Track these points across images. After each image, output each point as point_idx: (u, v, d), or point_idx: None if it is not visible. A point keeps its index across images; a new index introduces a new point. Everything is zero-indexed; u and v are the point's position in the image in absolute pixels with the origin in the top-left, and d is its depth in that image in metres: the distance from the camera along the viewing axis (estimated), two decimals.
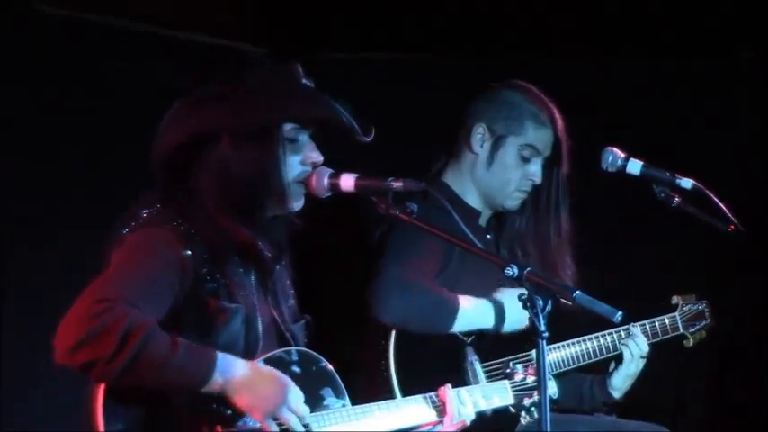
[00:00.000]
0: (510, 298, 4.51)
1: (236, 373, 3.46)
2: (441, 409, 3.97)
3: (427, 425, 3.95)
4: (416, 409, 3.93)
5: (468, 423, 4.00)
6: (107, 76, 4.79)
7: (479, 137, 4.72)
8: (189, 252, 3.53)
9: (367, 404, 3.79)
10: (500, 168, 4.71)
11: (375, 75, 5.46)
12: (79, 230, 4.56)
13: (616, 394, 4.78)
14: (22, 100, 4.65)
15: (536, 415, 4.14)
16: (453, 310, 4.43)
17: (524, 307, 3.44)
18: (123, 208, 3.62)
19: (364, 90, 4.91)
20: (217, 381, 3.42)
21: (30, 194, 4.69)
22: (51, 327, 3.35)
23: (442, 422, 3.96)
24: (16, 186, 4.64)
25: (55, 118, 4.72)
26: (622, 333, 4.74)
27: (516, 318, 4.48)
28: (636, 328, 4.75)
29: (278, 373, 3.56)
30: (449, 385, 3.99)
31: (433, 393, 3.98)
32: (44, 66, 4.66)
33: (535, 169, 4.72)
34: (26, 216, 4.68)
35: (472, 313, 4.48)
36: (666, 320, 4.84)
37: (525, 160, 4.71)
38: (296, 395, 3.54)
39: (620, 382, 4.76)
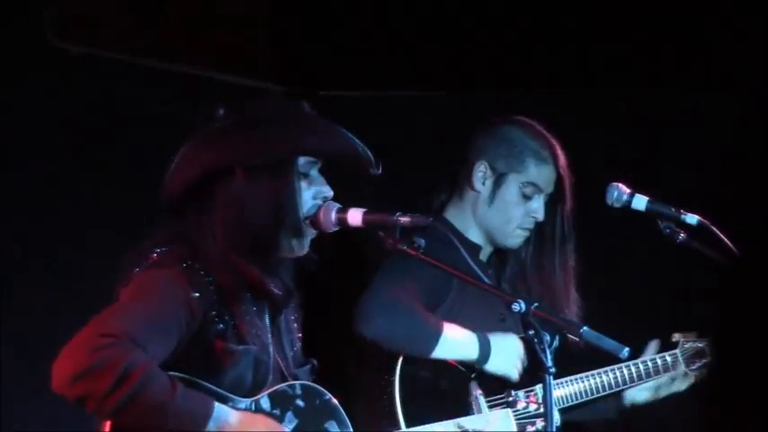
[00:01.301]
0: (501, 340, 4.47)
1: (230, 421, 3.47)
2: None
3: None
4: None
5: None
6: (123, 111, 4.82)
7: (481, 174, 4.73)
8: (197, 294, 3.53)
9: None
10: (501, 206, 4.72)
11: (378, 112, 5.50)
12: (80, 231, 4.59)
13: (627, 400, 4.78)
14: (38, 135, 4.69)
15: None
16: (436, 334, 4.39)
17: (531, 342, 3.46)
18: (133, 235, 3.65)
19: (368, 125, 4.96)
20: (211, 430, 3.44)
21: (31, 196, 4.71)
22: (50, 340, 3.39)
23: None
24: (19, 187, 4.67)
25: (70, 152, 4.75)
26: (640, 366, 4.74)
27: (502, 361, 4.44)
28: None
29: (270, 420, 3.57)
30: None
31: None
32: (59, 101, 4.70)
33: (537, 206, 4.72)
34: (27, 217, 4.71)
35: (456, 342, 4.43)
36: (667, 358, 4.82)
37: (527, 197, 4.72)
38: None
39: (639, 395, 4.77)
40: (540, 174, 4.72)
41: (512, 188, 4.72)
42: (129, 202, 4.68)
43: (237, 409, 3.56)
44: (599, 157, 5.33)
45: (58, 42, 4.58)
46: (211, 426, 3.43)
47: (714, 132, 5.70)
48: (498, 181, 4.72)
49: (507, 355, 4.41)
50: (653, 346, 4.84)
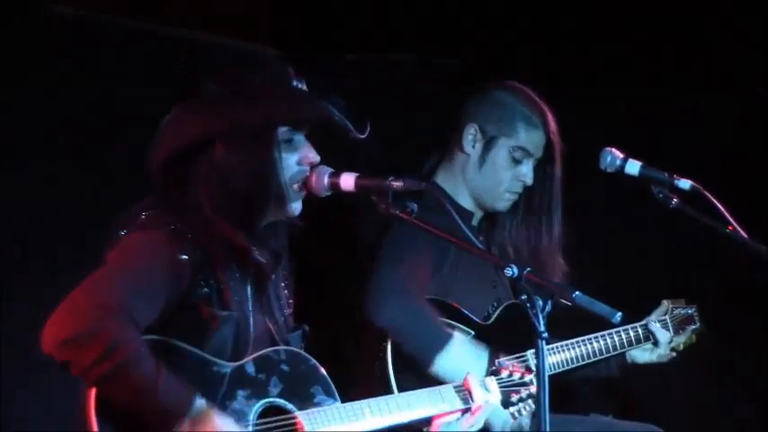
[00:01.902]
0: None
1: (205, 420, 3.42)
2: (466, 398, 3.95)
3: (453, 412, 3.93)
4: (436, 400, 3.92)
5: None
6: (115, 74, 4.82)
7: (471, 137, 4.75)
8: (185, 256, 3.55)
9: (363, 401, 3.76)
10: (491, 169, 4.73)
11: (375, 75, 5.50)
12: (80, 231, 4.57)
13: (629, 359, 4.79)
14: (32, 100, 4.67)
15: (524, 411, 4.11)
16: (444, 342, 4.37)
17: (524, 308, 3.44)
18: (126, 208, 3.64)
19: (365, 89, 4.98)
20: (190, 421, 3.40)
21: (31, 196, 4.69)
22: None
23: (469, 410, 3.94)
24: (19, 187, 4.66)
25: (63, 118, 4.73)
26: (630, 332, 4.75)
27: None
28: (652, 321, 4.79)
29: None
30: (471, 373, 3.99)
31: (455, 383, 3.96)
32: (54, 66, 4.69)
33: (526, 170, 4.74)
34: (27, 217, 4.68)
35: (461, 356, 4.39)
36: (657, 324, 4.82)
37: (516, 162, 4.74)
38: None
39: (640, 355, 4.78)
40: (530, 138, 4.74)
41: (502, 152, 4.73)
42: (120, 171, 4.66)
43: (222, 373, 3.55)
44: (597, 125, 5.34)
45: (50, 6, 4.60)
46: (186, 422, 3.40)
47: (714, 132, 5.72)
48: (488, 144, 4.73)
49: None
50: (663, 306, 4.87)
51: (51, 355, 3.36)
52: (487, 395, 3.98)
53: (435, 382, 4.07)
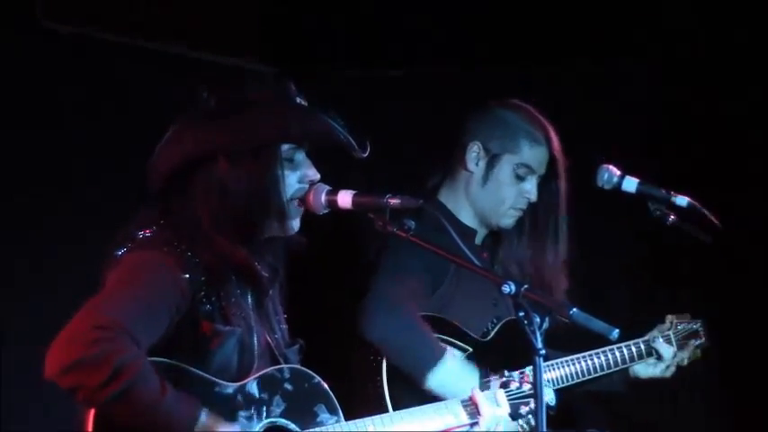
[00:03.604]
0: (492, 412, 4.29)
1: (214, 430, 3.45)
2: (473, 412, 3.96)
3: (460, 427, 3.94)
4: (438, 415, 3.93)
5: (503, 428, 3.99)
6: (114, 92, 4.83)
7: (474, 155, 4.75)
8: (187, 276, 3.54)
9: (365, 418, 3.79)
10: (495, 186, 4.74)
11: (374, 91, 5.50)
12: (80, 241, 4.59)
13: (632, 374, 4.79)
14: (28, 116, 4.69)
15: (533, 423, 4.13)
16: (437, 357, 4.37)
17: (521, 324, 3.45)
18: (122, 225, 3.64)
19: (363, 106, 4.96)
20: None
21: (32, 205, 4.72)
22: (50, 340, 3.36)
23: (477, 423, 3.95)
24: (20, 198, 4.68)
25: (60, 133, 4.75)
26: (632, 347, 4.75)
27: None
28: (656, 337, 4.79)
29: None
30: (476, 387, 4.00)
31: (461, 398, 3.97)
32: (50, 82, 4.70)
33: (530, 187, 4.74)
34: (28, 225, 4.71)
35: (455, 372, 4.39)
36: (661, 340, 4.82)
37: (520, 178, 4.74)
38: None
39: (643, 370, 4.78)
40: (534, 155, 4.74)
41: (505, 169, 4.73)
42: (119, 185, 4.68)
43: (225, 394, 3.56)
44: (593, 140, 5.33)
45: (48, 23, 4.59)
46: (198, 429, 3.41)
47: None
48: (492, 162, 4.74)
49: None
50: (667, 321, 4.87)
51: (54, 381, 3.34)
52: (495, 408, 3.98)
53: (431, 398, 4.09)
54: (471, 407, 3.97)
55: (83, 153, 4.78)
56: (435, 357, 4.36)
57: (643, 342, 4.79)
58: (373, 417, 3.80)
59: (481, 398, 3.96)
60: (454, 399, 3.98)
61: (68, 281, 4.54)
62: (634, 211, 4.55)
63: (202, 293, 3.57)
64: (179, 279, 3.52)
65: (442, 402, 3.96)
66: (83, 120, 4.79)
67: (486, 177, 4.74)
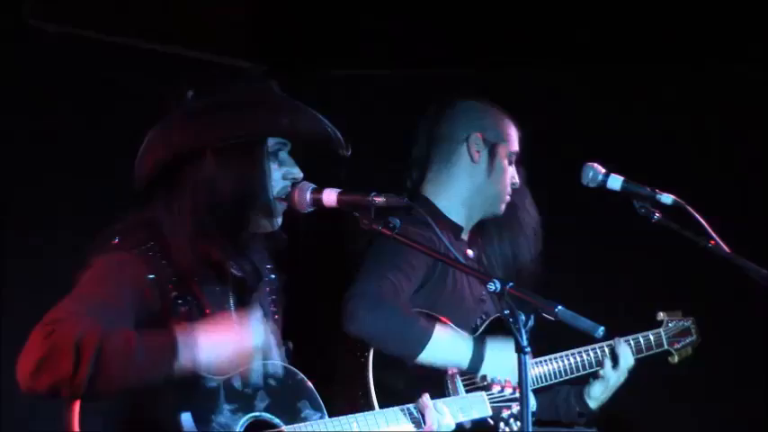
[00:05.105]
0: (499, 350, 4.42)
1: (198, 343, 3.41)
2: (418, 421, 3.94)
3: None
4: (394, 420, 3.90)
5: None
6: (100, 91, 4.83)
7: (477, 147, 4.78)
8: (152, 276, 3.52)
9: (344, 416, 3.78)
10: (498, 175, 4.79)
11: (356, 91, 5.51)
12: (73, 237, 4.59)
13: (593, 404, 4.76)
14: (15, 115, 4.69)
15: (515, 427, 4.13)
16: (425, 337, 4.38)
17: (507, 323, 3.45)
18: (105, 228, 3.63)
19: (348, 106, 4.97)
20: (185, 358, 3.39)
21: (24, 208, 4.73)
22: None
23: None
24: (12, 199, 4.68)
25: (47, 133, 4.76)
26: (605, 348, 4.74)
27: (495, 371, 4.36)
28: (620, 341, 4.75)
29: (237, 327, 3.50)
30: (427, 395, 3.97)
31: (411, 405, 3.95)
32: (37, 81, 4.71)
33: (514, 172, 4.83)
34: (25, 224, 4.73)
35: (446, 345, 4.42)
36: (651, 336, 4.86)
37: (510, 164, 4.82)
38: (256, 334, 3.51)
39: (598, 393, 4.75)
40: (517, 141, 4.83)
41: (503, 157, 4.79)
42: (106, 185, 4.68)
43: (209, 387, 3.53)
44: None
45: (35, 22, 4.59)
46: (185, 354, 3.37)
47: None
48: (492, 151, 4.79)
49: (502, 365, 4.35)
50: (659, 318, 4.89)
51: (34, 393, 3.32)
52: (439, 417, 3.96)
53: (417, 384, 4.07)
54: (417, 417, 3.93)
55: (70, 152, 4.78)
56: (423, 339, 4.37)
57: (607, 346, 4.75)
58: (356, 414, 3.79)
59: (427, 407, 3.93)
60: (403, 407, 3.93)
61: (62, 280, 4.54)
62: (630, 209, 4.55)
63: (175, 294, 3.56)
64: (142, 278, 3.50)
65: (390, 409, 3.92)
66: (70, 119, 4.79)
67: (490, 167, 4.78)
